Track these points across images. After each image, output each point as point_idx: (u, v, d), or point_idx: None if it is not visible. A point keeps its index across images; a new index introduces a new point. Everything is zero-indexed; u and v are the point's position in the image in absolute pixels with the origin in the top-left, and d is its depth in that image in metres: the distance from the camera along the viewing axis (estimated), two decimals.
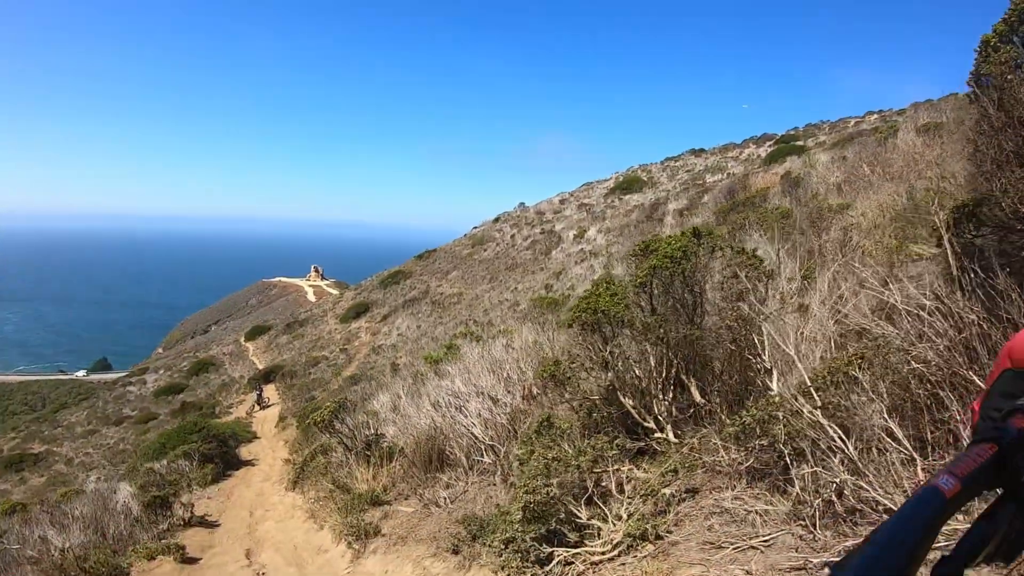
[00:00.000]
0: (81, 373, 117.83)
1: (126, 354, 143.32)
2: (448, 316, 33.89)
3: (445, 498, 6.90)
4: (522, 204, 62.46)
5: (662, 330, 5.51)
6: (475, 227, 63.20)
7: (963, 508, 0.94)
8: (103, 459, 37.00)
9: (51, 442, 47.32)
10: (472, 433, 6.97)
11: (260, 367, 49.08)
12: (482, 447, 6.86)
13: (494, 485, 6.53)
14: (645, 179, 50.18)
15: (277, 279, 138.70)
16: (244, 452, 21.76)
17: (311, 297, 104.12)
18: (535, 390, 7.03)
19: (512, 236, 50.10)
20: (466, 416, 7.13)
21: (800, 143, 39.68)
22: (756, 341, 5.06)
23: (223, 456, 19.15)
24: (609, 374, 5.71)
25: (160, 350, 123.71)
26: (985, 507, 0.95)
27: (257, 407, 34.37)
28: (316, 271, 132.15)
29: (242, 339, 68.10)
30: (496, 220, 60.25)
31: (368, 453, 8.97)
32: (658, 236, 6.74)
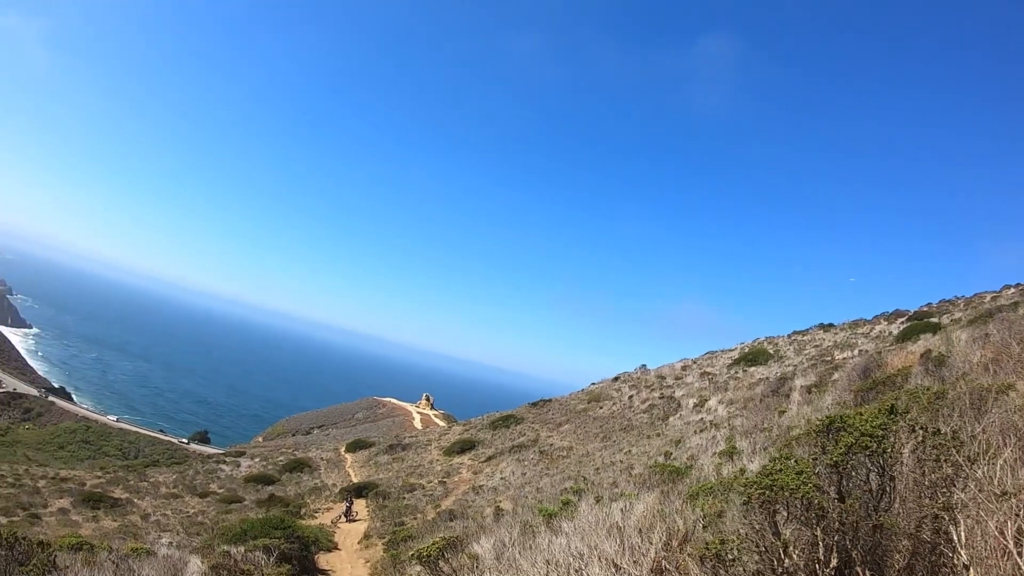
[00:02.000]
0: (183, 440, 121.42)
1: (224, 434, 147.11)
2: (556, 469, 32.94)
3: None
4: (643, 366, 61.65)
5: (847, 517, 4.79)
6: (593, 383, 62.53)
7: None
8: (179, 525, 37.02)
9: (134, 492, 47.95)
10: None
11: (355, 480, 48.86)
12: None
13: None
14: (771, 352, 48.59)
15: (387, 399, 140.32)
16: (322, 560, 21.17)
17: (418, 424, 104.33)
18: (665, 564, 6.28)
19: (630, 397, 49.10)
20: None
21: (935, 319, 37.89)
22: (954, 533, 4.32)
23: (301, 560, 18.62)
24: (786, 560, 4.93)
25: (260, 439, 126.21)
26: None
27: (344, 519, 33.89)
28: (427, 399, 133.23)
29: (342, 449, 68.30)
30: (615, 379, 59.47)
31: None
32: (846, 411, 6.03)
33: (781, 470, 5.26)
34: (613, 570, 6.54)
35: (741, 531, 5.75)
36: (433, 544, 9.17)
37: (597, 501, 12.22)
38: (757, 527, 5.31)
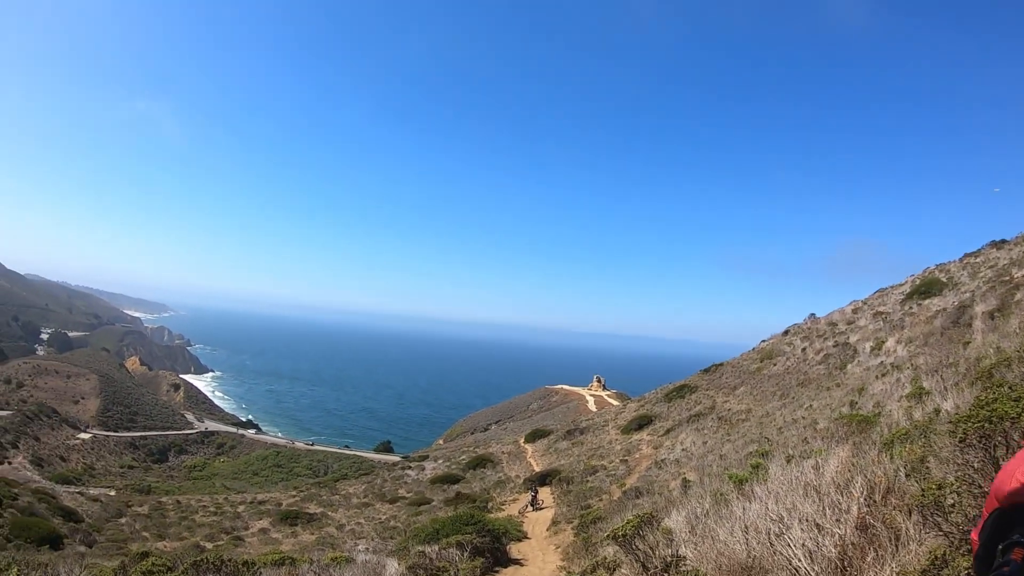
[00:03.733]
0: (368, 452, 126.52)
1: (408, 440, 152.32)
2: (736, 433, 32.10)
3: None
4: (812, 315, 59.31)
5: None
6: (763, 341, 60.71)
7: None
8: (373, 531, 38.42)
9: (327, 506, 50.29)
10: (795, 566, 5.86)
11: (537, 469, 49.32)
12: None
13: None
14: (944, 280, 45.32)
15: (559, 386, 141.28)
16: (513, 550, 21.33)
17: (592, 406, 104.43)
18: (870, 519, 5.89)
19: (803, 350, 47.34)
20: (788, 546, 6.06)
21: None
22: None
23: (493, 552, 18.84)
24: None
25: (440, 441, 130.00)
26: None
27: (530, 508, 34.13)
28: (598, 381, 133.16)
29: (521, 440, 69.17)
30: (785, 333, 57.49)
31: (666, 575, 8.00)
32: None
33: (996, 399, 4.81)
34: (815, 531, 6.19)
35: (952, 475, 5.32)
36: (627, 523, 8.97)
37: (788, 461, 11.75)
38: (977, 465, 4.87)
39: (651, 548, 8.68)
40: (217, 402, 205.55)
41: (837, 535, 5.97)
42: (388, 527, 39.01)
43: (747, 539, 7.06)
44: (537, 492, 36.83)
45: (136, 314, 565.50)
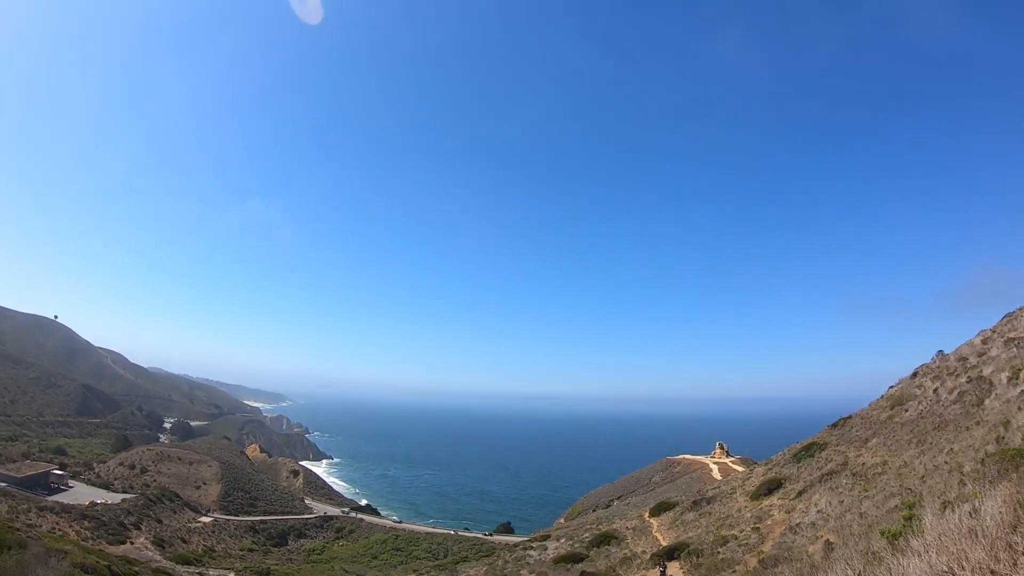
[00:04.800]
0: (488, 534, 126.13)
1: (526, 520, 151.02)
2: (874, 488, 30.23)
3: None
4: (940, 352, 56.19)
5: None
6: (891, 387, 57.84)
7: None
8: None
9: None
10: None
11: (663, 543, 47.81)
12: None
13: None
14: None
15: (680, 456, 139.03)
16: None
17: (716, 474, 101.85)
18: None
19: (935, 391, 44.67)
20: None
21: None
22: None
23: None
24: None
25: (562, 520, 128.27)
26: None
27: None
28: (721, 447, 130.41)
29: (646, 515, 67.33)
30: (914, 375, 54.61)
31: None
32: None
33: None
34: None
35: None
36: None
37: (944, 508, 10.65)
38: None
39: None
40: (335, 487, 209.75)
41: None
42: None
43: None
44: (666, 567, 35.47)
45: (255, 404, 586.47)
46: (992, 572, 5.43)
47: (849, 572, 9.03)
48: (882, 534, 10.84)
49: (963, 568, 5.78)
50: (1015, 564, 5.31)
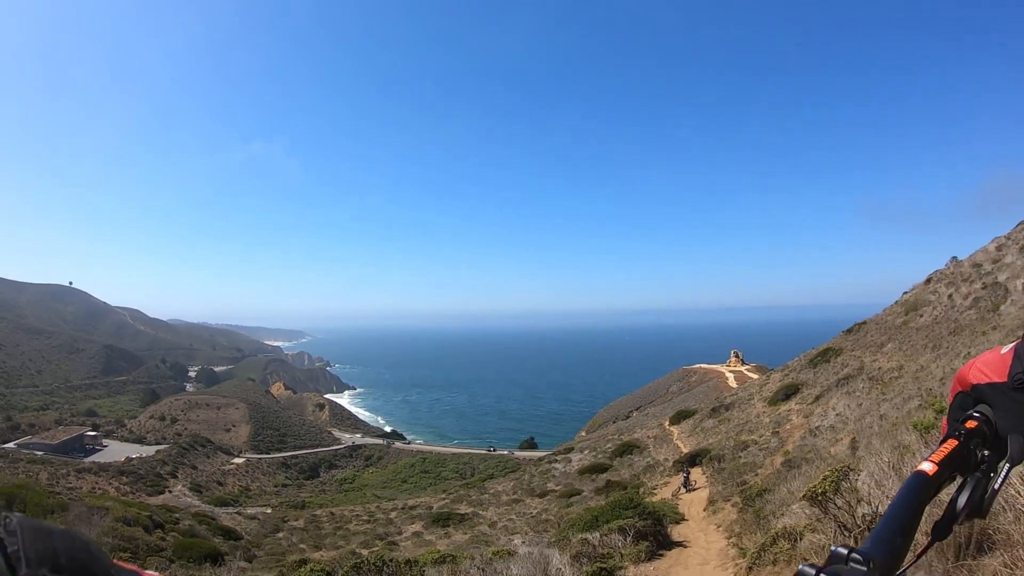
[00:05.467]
0: (513, 451, 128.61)
1: (547, 436, 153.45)
2: (892, 392, 30.76)
3: None
4: (954, 258, 56.37)
5: None
6: (905, 293, 58.16)
7: (941, 486, 1.49)
8: (526, 526, 38.65)
9: (477, 506, 51.01)
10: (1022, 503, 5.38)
11: (685, 450, 48.75)
12: None
13: None
14: None
15: (697, 366, 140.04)
16: (674, 533, 21.00)
17: (732, 382, 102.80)
18: None
19: (949, 296, 45.06)
20: (1010, 483, 5.59)
21: None
22: None
23: (655, 535, 18.58)
24: None
25: (583, 433, 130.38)
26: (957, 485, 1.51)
27: (683, 490, 33.59)
28: (736, 356, 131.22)
29: (666, 423, 68.47)
30: (928, 281, 54.86)
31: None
32: None
33: None
34: None
35: None
36: (825, 479, 8.56)
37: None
38: None
39: (849, 504, 8.23)
40: (360, 416, 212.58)
41: None
42: (541, 520, 39.19)
43: None
44: (689, 473, 36.24)
45: (276, 343, 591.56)
46: None
47: (883, 463, 9.48)
48: (915, 426, 11.29)
49: None
50: None
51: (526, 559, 13.57)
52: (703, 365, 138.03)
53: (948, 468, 1.46)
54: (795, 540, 10.38)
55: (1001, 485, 1.51)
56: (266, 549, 42.48)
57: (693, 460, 41.46)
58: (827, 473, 8.73)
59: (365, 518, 53.69)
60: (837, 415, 34.21)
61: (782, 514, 14.36)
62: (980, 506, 1.46)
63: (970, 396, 1.69)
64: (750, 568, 11.87)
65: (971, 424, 1.57)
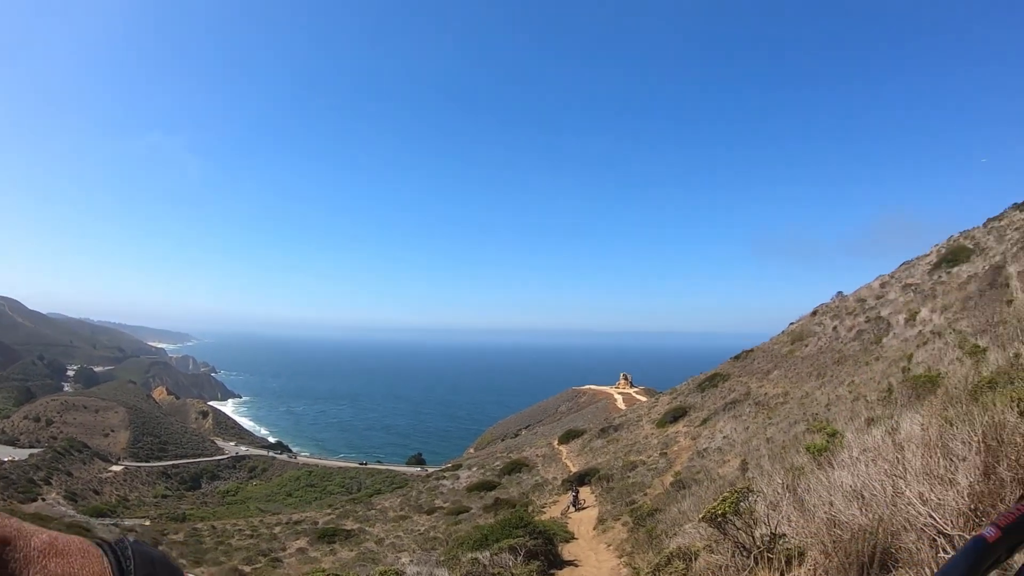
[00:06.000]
0: (400, 466, 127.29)
1: (434, 453, 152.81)
2: (778, 416, 31.55)
3: None
4: (840, 293, 58.85)
5: None
6: (792, 323, 60.24)
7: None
8: (413, 543, 38.04)
9: (363, 522, 50.10)
10: (923, 522, 5.30)
11: (573, 469, 48.98)
12: (949, 540, 5.15)
13: None
14: (970, 246, 44.86)
15: (586, 387, 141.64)
16: (564, 552, 20.90)
17: (621, 404, 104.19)
18: (994, 464, 5.37)
19: (834, 328, 46.82)
20: (911, 503, 5.50)
21: None
22: None
23: (546, 554, 18.42)
24: None
25: (472, 450, 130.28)
26: None
27: (572, 508, 33.67)
28: (625, 378, 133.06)
29: (555, 442, 68.89)
30: (814, 313, 57.02)
31: (770, 556, 7.36)
32: None
33: None
34: (936, 484, 5.67)
35: None
36: (724, 501, 8.40)
37: (869, 424, 11.25)
38: None
39: (748, 525, 8.10)
40: (244, 426, 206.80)
41: (964, 484, 5.46)
42: (429, 538, 38.61)
43: (861, 504, 6.50)
44: (578, 492, 36.37)
45: (160, 345, 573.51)
46: (929, 475, 5.79)
47: (776, 486, 9.46)
48: (807, 449, 11.35)
49: (900, 476, 6.15)
50: (956, 469, 5.68)
51: None
52: (593, 387, 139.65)
53: (1018, 534, 1.19)
54: (690, 560, 10.26)
55: None
56: None
57: (582, 479, 41.61)
58: (726, 494, 8.63)
59: (248, 532, 51.98)
60: (724, 438, 34.89)
61: (675, 534, 14.32)
62: None
63: None
64: None
65: None
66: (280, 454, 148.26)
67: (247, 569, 35.40)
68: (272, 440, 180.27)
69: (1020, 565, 1.22)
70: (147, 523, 68.82)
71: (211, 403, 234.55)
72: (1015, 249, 33.98)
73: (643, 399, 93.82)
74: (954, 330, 22.75)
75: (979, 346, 15.09)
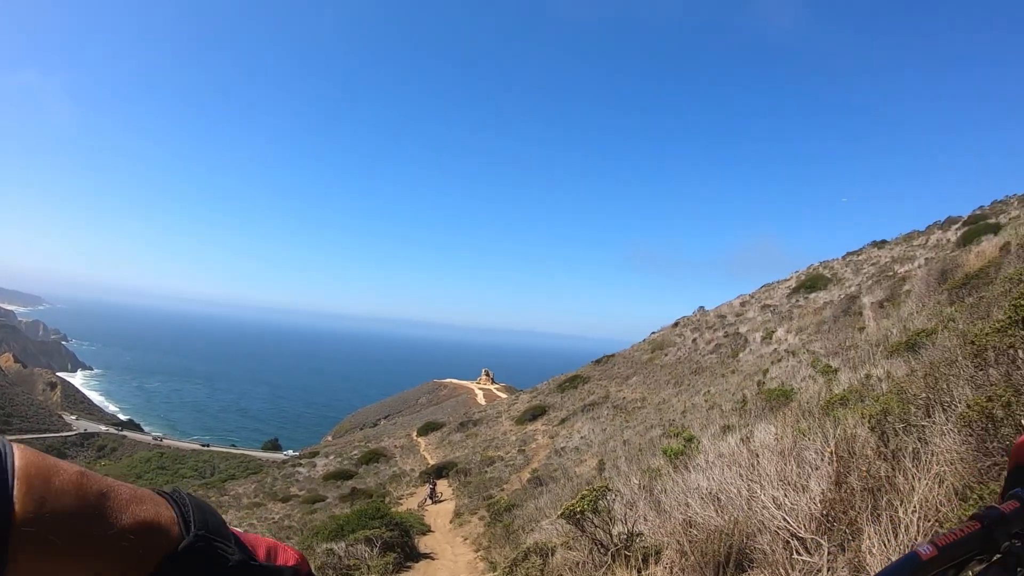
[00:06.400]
0: (258, 452, 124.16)
1: (295, 438, 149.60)
2: (635, 420, 32.34)
3: None
4: (701, 308, 61.02)
5: None
6: (653, 332, 61.95)
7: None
8: (268, 532, 37.13)
9: (216, 508, 48.36)
10: (777, 525, 5.51)
11: (432, 462, 48.86)
12: (802, 543, 5.36)
13: None
14: (828, 276, 47.50)
15: (447, 380, 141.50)
16: (421, 544, 20.81)
17: (481, 400, 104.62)
18: (845, 474, 5.64)
19: (694, 340, 48.43)
20: (766, 507, 5.70)
21: (992, 220, 36.10)
22: None
23: (403, 546, 18.28)
24: None
25: (330, 438, 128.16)
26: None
27: (429, 501, 33.58)
28: (487, 374, 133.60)
29: (414, 434, 68.56)
30: (675, 325, 58.89)
31: (627, 553, 7.50)
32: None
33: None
34: (790, 490, 5.91)
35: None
36: (583, 498, 8.48)
37: (725, 431, 11.63)
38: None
39: (606, 524, 8.23)
40: (94, 400, 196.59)
41: (816, 491, 5.71)
42: (283, 527, 37.69)
43: (717, 506, 6.71)
44: (436, 485, 36.25)
45: (9, 307, 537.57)
46: (783, 481, 6.03)
47: (633, 486, 9.70)
48: (664, 452, 11.65)
49: (755, 480, 6.38)
50: (809, 476, 5.92)
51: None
52: (454, 380, 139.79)
53: (955, 553, 1.20)
54: (547, 556, 10.39)
55: None
56: None
57: (440, 472, 41.57)
58: (584, 492, 8.76)
59: None
60: (582, 438, 35.49)
61: (532, 529, 14.47)
62: None
63: (1022, 470, 1.39)
64: None
65: (1010, 506, 1.26)
66: (131, 433, 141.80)
67: None
68: (123, 417, 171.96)
69: None
70: None
71: (60, 374, 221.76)
72: (870, 282, 35.91)
73: (503, 396, 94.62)
74: (808, 350, 23.82)
75: (831, 366, 15.84)
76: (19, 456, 1.13)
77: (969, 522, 1.20)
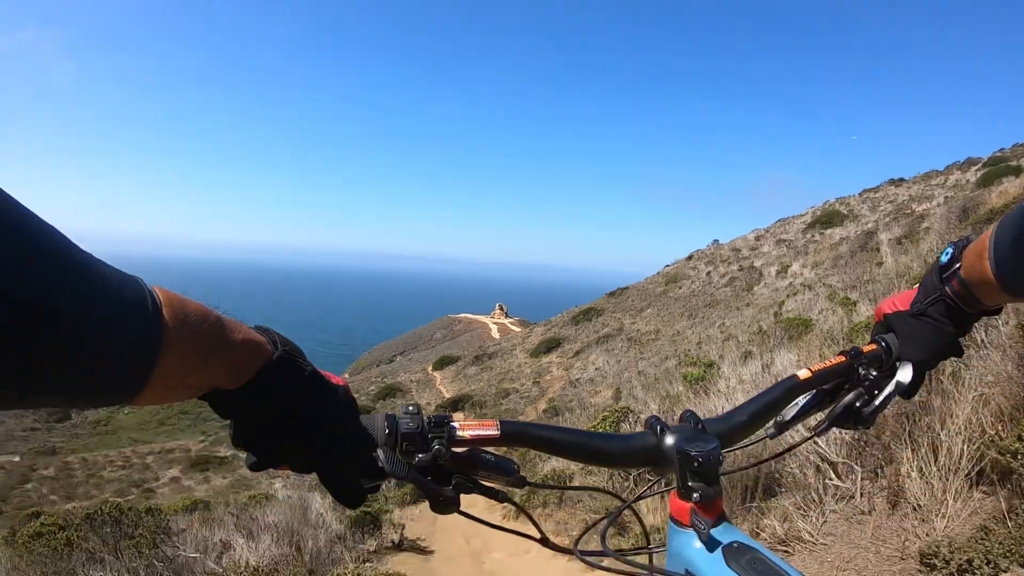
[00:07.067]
0: None
1: None
2: (650, 351, 32.24)
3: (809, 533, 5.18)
4: (716, 241, 60.37)
5: None
6: (667, 265, 61.52)
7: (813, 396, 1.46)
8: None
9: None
10: (817, 447, 5.33)
11: (447, 395, 49.02)
12: (833, 467, 5.18)
13: (864, 514, 4.81)
14: (844, 212, 46.75)
15: (462, 315, 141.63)
16: None
17: (495, 334, 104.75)
18: None
19: (708, 273, 48.09)
20: (797, 430, 5.54)
21: (1013, 163, 35.44)
22: None
23: None
24: None
25: (347, 375, 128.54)
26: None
27: None
28: (501, 309, 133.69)
29: (429, 368, 68.80)
30: (689, 258, 58.38)
31: (649, 479, 7.34)
32: None
33: None
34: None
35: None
36: (605, 419, 8.40)
37: (745, 358, 11.45)
38: None
39: None
40: None
41: None
42: None
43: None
44: (451, 418, 36.44)
45: None
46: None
47: (652, 410, 9.57)
48: (684, 378, 11.52)
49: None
50: None
51: (285, 504, 12.75)
52: (468, 315, 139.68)
53: (825, 379, 1.47)
54: (566, 481, 10.34)
55: (884, 402, 1.45)
56: (13, 503, 38.66)
57: (456, 404, 41.73)
58: (606, 414, 8.66)
59: (120, 464, 50.24)
60: (596, 369, 35.51)
61: (548, 458, 14.44)
62: (860, 414, 1.44)
63: (882, 325, 1.64)
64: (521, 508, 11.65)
65: (869, 348, 1.54)
66: None
67: (120, 501, 34.36)
68: None
69: (880, 397, 1.44)
70: (16, 459, 65.78)
71: None
72: (887, 219, 35.36)
73: (518, 330, 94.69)
74: (824, 284, 23.55)
75: (850, 298, 15.61)
76: (160, 291, 1.11)
77: (837, 356, 1.48)
